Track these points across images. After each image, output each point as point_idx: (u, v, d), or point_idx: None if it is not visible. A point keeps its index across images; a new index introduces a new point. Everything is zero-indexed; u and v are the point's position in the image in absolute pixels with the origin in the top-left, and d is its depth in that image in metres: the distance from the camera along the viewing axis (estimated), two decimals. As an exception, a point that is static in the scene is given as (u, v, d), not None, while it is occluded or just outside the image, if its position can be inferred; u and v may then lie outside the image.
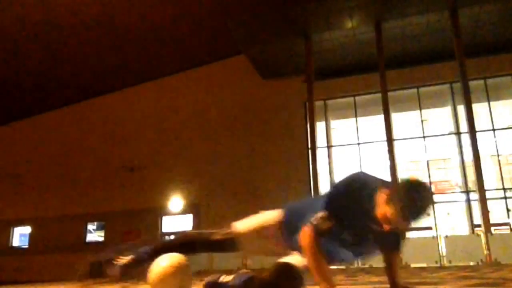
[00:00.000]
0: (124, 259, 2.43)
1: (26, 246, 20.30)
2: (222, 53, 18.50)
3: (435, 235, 13.97)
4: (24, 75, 18.85)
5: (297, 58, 16.09)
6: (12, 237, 20.74)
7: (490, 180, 14.73)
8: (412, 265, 10.05)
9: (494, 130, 15.27)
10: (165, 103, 19.58)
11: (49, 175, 20.38)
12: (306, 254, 1.83)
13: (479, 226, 13.57)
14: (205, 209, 17.56)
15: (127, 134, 19.78)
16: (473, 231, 14.18)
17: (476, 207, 14.14)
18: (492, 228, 12.80)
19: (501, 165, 15.11)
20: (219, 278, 2.33)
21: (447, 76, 15.68)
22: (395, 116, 15.82)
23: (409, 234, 14.03)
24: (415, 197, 1.62)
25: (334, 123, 17.64)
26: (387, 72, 14.69)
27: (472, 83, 14.22)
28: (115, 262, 2.43)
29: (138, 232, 18.34)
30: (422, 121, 16.16)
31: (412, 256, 10.18)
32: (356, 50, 15.95)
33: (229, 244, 2.34)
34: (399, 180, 1.75)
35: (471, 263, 10.09)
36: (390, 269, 2.09)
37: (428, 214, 1.67)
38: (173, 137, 18.89)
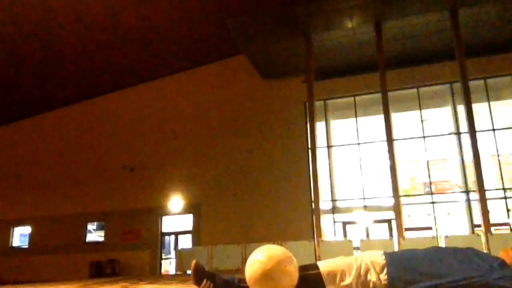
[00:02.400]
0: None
1: (26, 246, 20.29)
2: (222, 53, 18.50)
3: (435, 235, 14.00)
4: (24, 75, 18.84)
5: (297, 58, 16.07)
6: (12, 237, 20.73)
7: (490, 180, 14.72)
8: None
9: (494, 130, 15.26)
10: (165, 103, 19.57)
11: (49, 175, 20.38)
12: None
13: (479, 226, 13.57)
14: (205, 209, 17.57)
15: (127, 134, 19.78)
16: (473, 231, 14.19)
17: (476, 207, 14.14)
18: (492, 228, 12.80)
19: (501, 165, 15.10)
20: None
21: (447, 76, 15.67)
22: (395, 116, 15.82)
23: (409, 235, 14.05)
24: None
25: (334, 123, 17.62)
26: (387, 72, 14.66)
27: (472, 83, 14.20)
28: None
29: (138, 232, 18.35)
30: (422, 121, 16.15)
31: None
32: (356, 50, 15.94)
33: None
34: None
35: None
36: None
37: None
38: (173, 137, 18.89)
